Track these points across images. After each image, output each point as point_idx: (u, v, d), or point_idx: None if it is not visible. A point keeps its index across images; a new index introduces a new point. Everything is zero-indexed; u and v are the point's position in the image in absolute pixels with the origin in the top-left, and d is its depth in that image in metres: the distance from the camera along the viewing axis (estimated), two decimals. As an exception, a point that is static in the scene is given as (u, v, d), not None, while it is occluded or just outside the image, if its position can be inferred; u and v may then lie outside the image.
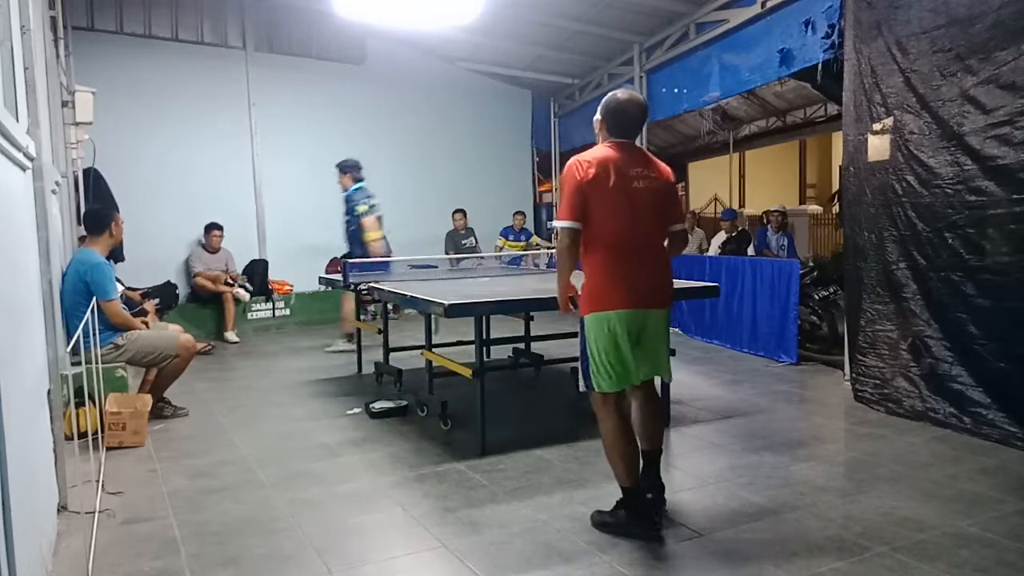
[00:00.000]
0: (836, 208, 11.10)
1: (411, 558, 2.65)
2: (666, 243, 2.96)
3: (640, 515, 2.77)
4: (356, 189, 6.61)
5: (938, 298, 4.10)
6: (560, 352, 5.78)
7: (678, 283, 4.83)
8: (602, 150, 2.82)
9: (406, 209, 9.67)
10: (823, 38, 5.60)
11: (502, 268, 7.46)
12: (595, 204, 2.72)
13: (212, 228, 8.17)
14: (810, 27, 5.82)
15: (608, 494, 3.17)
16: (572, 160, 2.78)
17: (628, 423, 2.85)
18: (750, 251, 8.60)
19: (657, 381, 3.04)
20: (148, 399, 4.24)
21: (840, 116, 5.30)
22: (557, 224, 2.79)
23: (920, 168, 4.17)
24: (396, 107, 9.88)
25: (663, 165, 2.95)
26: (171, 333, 4.66)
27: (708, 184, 15.13)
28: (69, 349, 3.08)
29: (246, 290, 8.18)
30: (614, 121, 2.88)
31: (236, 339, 7.72)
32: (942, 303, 4.08)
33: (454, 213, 9.68)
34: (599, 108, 2.92)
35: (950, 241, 4.00)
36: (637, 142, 2.94)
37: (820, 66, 5.66)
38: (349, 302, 6.56)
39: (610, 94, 2.91)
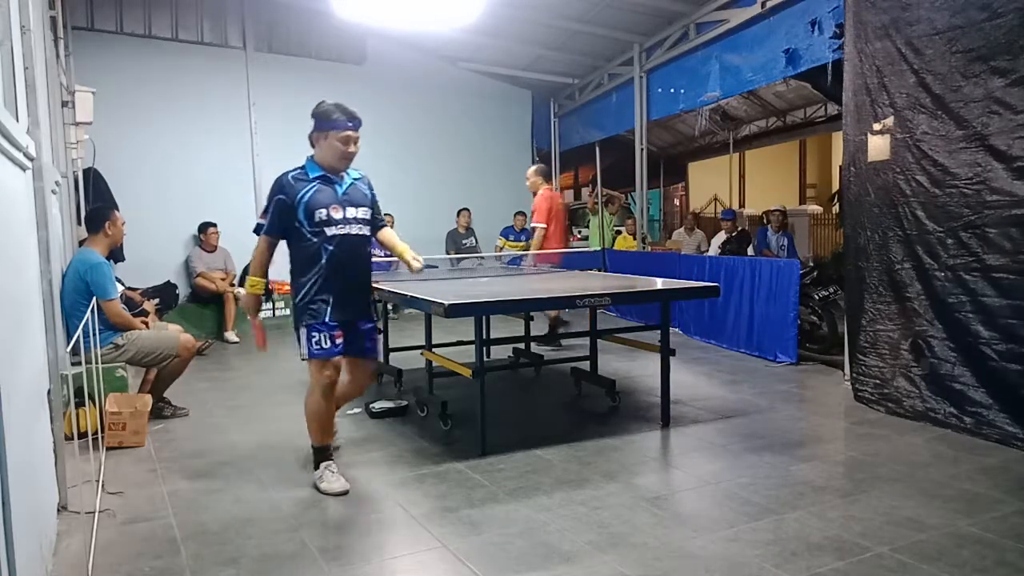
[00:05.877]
0: (836, 208, 11.10)
1: (411, 558, 2.65)
2: None
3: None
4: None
5: (944, 298, 4.08)
6: (560, 352, 5.79)
7: (679, 283, 4.89)
8: None
9: (406, 209, 9.66)
10: (832, 38, 5.59)
11: (502, 268, 7.46)
12: None
13: (208, 226, 8.17)
14: (816, 27, 5.82)
15: (608, 493, 3.18)
16: None
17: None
18: (750, 251, 8.60)
19: None
20: (148, 399, 4.24)
21: (840, 116, 5.29)
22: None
23: (933, 168, 4.12)
24: (396, 107, 9.87)
25: None
26: (171, 333, 4.66)
27: (708, 184, 15.13)
28: (69, 349, 3.07)
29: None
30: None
31: (236, 339, 7.71)
32: (948, 303, 4.05)
33: (459, 211, 9.68)
34: None
35: (965, 240, 3.96)
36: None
37: (830, 66, 5.64)
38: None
39: None
